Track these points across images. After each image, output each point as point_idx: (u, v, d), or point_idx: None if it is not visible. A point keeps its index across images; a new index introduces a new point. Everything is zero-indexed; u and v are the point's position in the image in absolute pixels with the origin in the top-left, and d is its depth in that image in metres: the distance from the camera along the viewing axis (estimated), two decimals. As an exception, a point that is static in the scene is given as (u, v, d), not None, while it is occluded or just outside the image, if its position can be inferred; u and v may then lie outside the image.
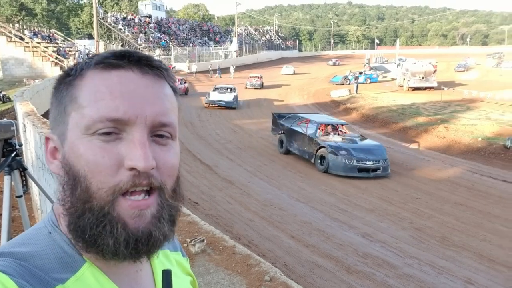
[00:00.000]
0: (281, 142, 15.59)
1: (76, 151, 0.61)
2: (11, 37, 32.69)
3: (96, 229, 0.60)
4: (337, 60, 63.29)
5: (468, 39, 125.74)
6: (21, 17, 48.51)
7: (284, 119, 16.11)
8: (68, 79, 0.65)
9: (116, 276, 0.65)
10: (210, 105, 24.87)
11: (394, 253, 7.62)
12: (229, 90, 26.17)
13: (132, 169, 0.60)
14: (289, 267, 6.70)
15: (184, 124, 19.87)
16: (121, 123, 0.61)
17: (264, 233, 8.10)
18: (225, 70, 43.59)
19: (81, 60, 0.69)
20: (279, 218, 9.06)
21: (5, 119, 3.05)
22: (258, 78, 35.04)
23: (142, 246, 0.61)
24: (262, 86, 34.21)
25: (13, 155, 2.64)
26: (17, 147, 2.68)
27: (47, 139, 0.68)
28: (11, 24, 37.92)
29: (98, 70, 0.63)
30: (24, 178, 2.76)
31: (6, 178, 2.66)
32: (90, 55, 0.73)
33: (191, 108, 24.27)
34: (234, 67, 43.78)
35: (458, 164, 14.47)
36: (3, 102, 23.88)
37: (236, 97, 25.31)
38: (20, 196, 2.80)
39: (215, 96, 25.04)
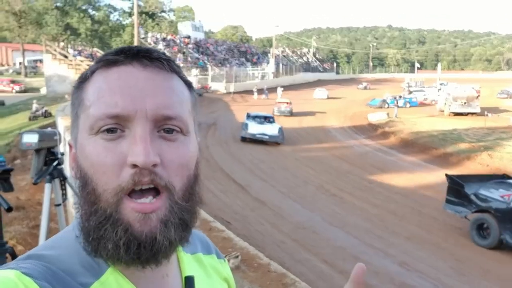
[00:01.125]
0: (480, 228, 9.45)
1: (83, 153, 0.61)
2: (55, 55, 34.50)
3: (98, 232, 0.58)
4: (368, 84, 60.10)
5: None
6: (66, 36, 51.32)
7: (473, 188, 9.91)
8: (78, 84, 0.66)
9: (140, 282, 0.63)
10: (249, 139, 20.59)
11: (433, 284, 7.27)
12: (268, 119, 22.18)
13: (134, 166, 0.57)
14: (322, 292, 6.51)
15: (219, 144, 20.07)
16: (122, 119, 0.59)
17: (296, 256, 7.94)
18: (270, 91, 42.55)
19: None
20: (312, 241, 8.87)
21: (49, 128, 3.13)
22: (287, 104, 30.61)
23: (145, 251, 0.58)
24: (291, 113, 29.96)
25: (55, 163, 2.70)
26: (59, 156, 2.73)
27: (70, 146, 0.67)
28: (56, 43, 40.05)
29: (101, 70, 0.63)
30: (64, 187, 2.81)
31: (47, 186, 2.71)
32: None
33: (226, 128, 24.48)
34: (282, 88, 41.40)
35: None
36: (45, 117, 25.07)
37: (281, 130, 21.19)
38: (59, 205, 2.85)
39: (255, 128, 20.78)
